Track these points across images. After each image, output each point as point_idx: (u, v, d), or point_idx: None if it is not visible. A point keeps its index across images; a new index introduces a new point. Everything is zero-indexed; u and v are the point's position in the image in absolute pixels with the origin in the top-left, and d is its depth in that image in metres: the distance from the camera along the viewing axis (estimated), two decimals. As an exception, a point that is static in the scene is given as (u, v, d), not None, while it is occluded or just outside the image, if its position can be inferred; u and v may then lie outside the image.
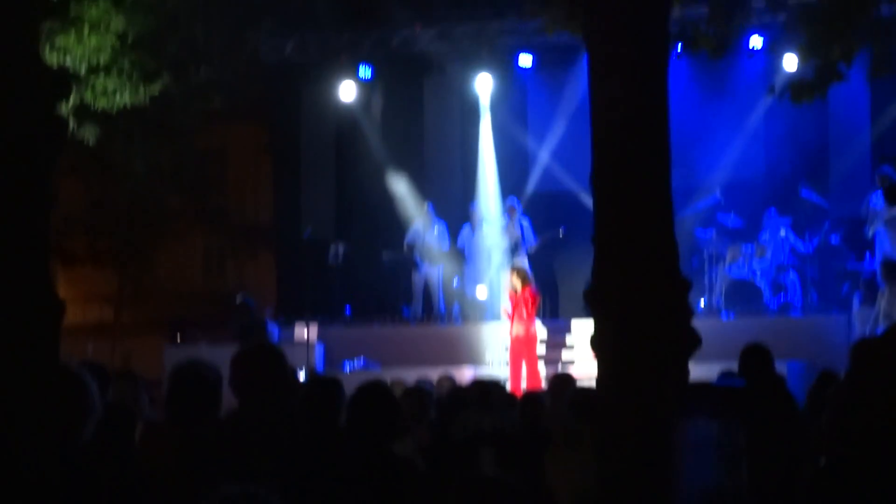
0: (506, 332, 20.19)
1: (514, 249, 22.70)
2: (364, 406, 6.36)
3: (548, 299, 22.87)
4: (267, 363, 5.74)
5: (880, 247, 19.82)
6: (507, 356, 20.32)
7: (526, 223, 23.04)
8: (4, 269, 3.74)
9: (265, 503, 3.93)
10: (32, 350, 3.80)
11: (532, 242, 22.93)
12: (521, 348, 19.38)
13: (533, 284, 20.00)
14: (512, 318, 19.50)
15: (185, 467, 5.52)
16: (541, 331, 20.74)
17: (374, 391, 6.49)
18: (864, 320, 18.38)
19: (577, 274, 22.23)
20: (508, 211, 23.14)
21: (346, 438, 6.04)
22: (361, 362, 21.69)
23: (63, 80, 4.13)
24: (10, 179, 3.77)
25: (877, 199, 20.35)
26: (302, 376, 17.26)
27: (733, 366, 10.19)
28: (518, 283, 19.52)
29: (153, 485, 5.41)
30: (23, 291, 3.76)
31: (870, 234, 20.41)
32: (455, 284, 24.06)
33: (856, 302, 19.05)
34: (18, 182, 3.78)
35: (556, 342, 21.59)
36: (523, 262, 22.45)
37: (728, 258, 21.47)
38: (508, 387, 17.20)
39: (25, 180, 3.81)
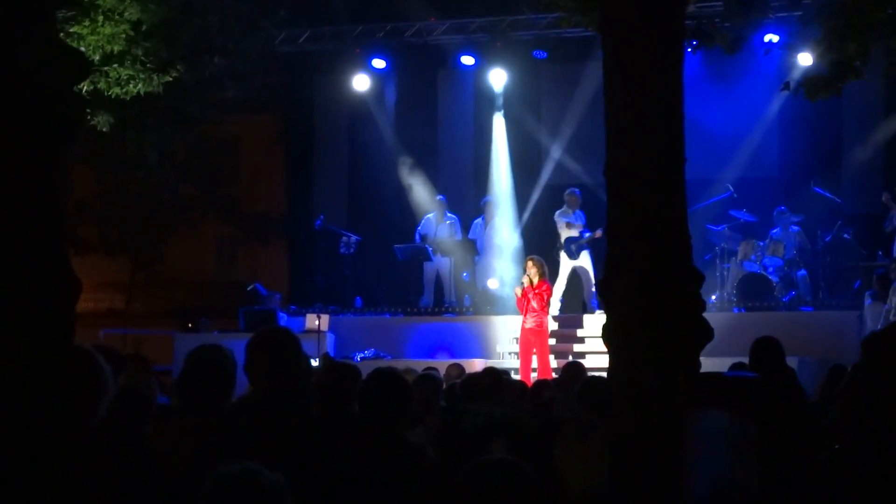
0: (517, 325, 20.20)
1: (578, 239, 22.47)
2: (377, 392, 6.38)
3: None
4: (281, 347, 5.75)
5: (896, 242, 19.91)
6: (517, 348, 20.34)
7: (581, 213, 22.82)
8: (22, 246, 3.77)
9: (265, 481, 3.96)
10: (49, 326, 3.83)
11: (587, 235, 22.53)
12: (533, 340, 19.37)
13: (548, 278, 19.95)
14: (525, 309, 19.45)
15: (197, 452, 5.55)
16: (552, 324, 20.74)
17: (387, 377, 6.51)
18: (875, 316, 18.37)
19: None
20: (569, 200, 22.86)
21: (360, 424, 6.06)
22: (372, 353, 21.72)
23: (81, 61, 4.15)
24: (30, 156, 3.80)
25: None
26: (315, 364, 17.34)
27: (744, 361, 10.21)
28: (535, 274, 19.46)
29: (164, 468, 5.44)
30: (40, 268, 3.80)
31: (888, 228, 20.44)
32: (464, 276, 24.04)
33: (868, 298, 19.03)
34: (38, 159, 3.82)
35: (567, 335, 21.60)
36: (586, 251, 22.42)
37: (740, 253, 21.47)
38: (518, 378, 17.22)
39: (45, 157, 3.85)
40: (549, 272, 20.58)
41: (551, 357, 19.76)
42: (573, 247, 22.41)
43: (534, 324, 19.33)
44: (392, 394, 6.36)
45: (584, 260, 22.52)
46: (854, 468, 3.94)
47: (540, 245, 23.81)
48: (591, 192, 22.66)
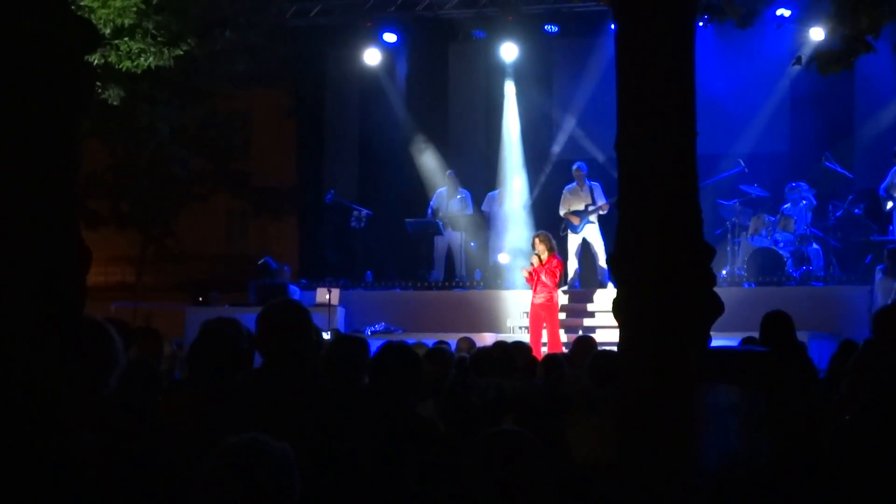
0: (527, 299, 20.21)
1: (584, 213, 22.38)
2: (388, 366, 6.39)
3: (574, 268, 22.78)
4: (291, 321, 5.76)
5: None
6: (527, 322, 20.36)
7: (596, 186, 22.64)
8: (32, 215, 3.78)
9: (271, 451, 3.97)
10: (59, 296, 3.84)
11: (603, 202, 22.36)
12: (543, 315, 19.36)
13: (557, 253, 19.88)
14: (535, 285, 19.43)
15: (207, 424, 5.56)
16: (562, 298, 20.74)
17: (398, 352, 6.52)
18: (886, 291, 18.34)
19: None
20: (575, 175, 22.74)
21: (370, 397, 6.06)
22: (382, 327, 21.75)
23: (92, 32, 4.14)
24: (41, 125, 3.80)
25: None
26: (327, 337, 17.39)
27: (755, 335, 10.21)
28: (544, 251, 19.44)
29: (174, 440, 5.45)
30: (50, 238, 3.80)
31: (886, 207, 20.41)
32: (472, 246, 24.03)
33: (878, 273, 18.99)
34: (49, 128, 3.82)
35: (579, 310, 21.61)
36: (594, 225, 22.35)
37: (751, 228, 21.44)
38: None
39: (56, 127, 3.85)
40: (560, 248, 20.58)
41: (562, 331, 19.77)
42: (574, 221, 22.36)
43: (544, 299, 19.31)
44: (403, 368, 6.37)
45: (593, 234, 22.44)
46: (864, 441, 3.94)
47: (551, 219, 23.80)
48: (602, 167, 22.64)
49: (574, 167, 22.72)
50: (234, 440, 3.96)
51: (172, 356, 12.67)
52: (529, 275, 19.53)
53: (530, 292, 19.71)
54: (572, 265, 22.38)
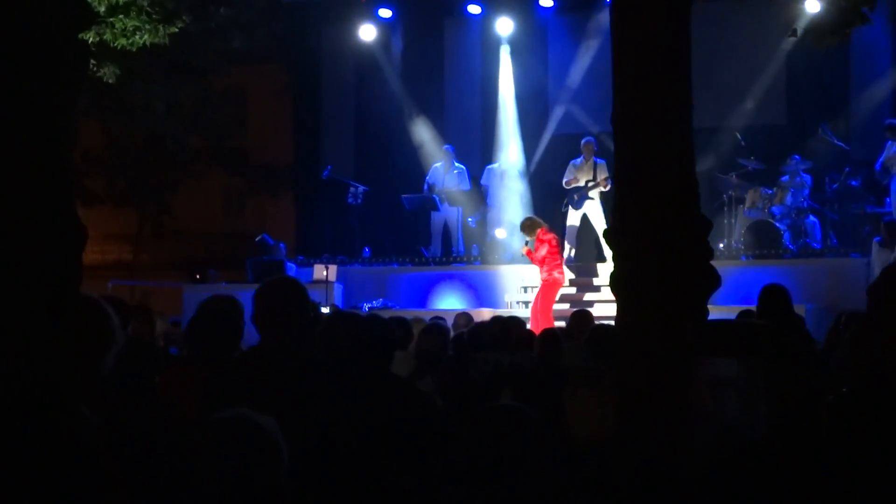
0: (524, 273, 20.20)
1: (583, 188, 22.28)
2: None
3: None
4: (287, 297, 5.76)
5: (895, 191, 19.84)
6: (524, 296, 20.40)
7: (601, 163, 22.47)
8: (28, 193, 3.78)
9: (258, 426, 3.98)
10: (55, 274, 3.84)
11: (603, 177, 22.24)
12: (540, 290, 19.34)
13: (546, 228, 19.67)
14: (541, 263, 19.31)
15: (204, 401, 5.57)
16: (568, 274, 20.67)
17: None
18: (883, 263, 18.33)
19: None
20: (584, 149, 22.57)
21: (365, 371, 6.04)
22: (380, 303, 21.76)
23: (85, 8, 4.15)
24: (34, 103, 3.80)
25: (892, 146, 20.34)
26: (326, 311, 17.45)
27: (752, 308, 10.23)
28: (529, 235, 19.38)
29: (173, 417, 5.46)
30: (45, 216, 3.80)
31: (884, 181, 20.41)
32: (470, 222, 24.01)
33: (875, 244, 18.98)
34: (43, 106, 3.82)
35: (580, 284, 21.58)
36: (595, 201, 22.28)
37: (748, 201, 21.43)
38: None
39: (50, 104, 3.85)
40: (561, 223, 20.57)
41: (567, 305, 19.67)
42: (575, 196, 22.30)
43: (543, 276, 19.24)
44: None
45: (594, 210, 22.36)
46: (860, 413, 3.95)
47: (547, 194, 23.80)
48: (599, 141, 22.59)
49: (584, 141, 22.57)
50: (219, 415, 3.99)
51: (166, 333, 12.69)
52: (538, 254, 19.49)
53: (527, 267, 19.70)
54: (569, 239, 22.34)
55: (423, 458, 5.48)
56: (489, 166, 24.46)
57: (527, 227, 19.50)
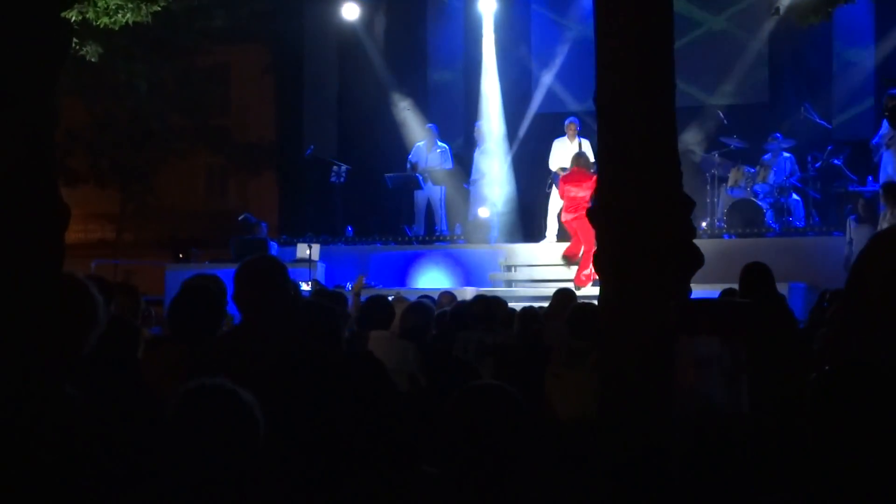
0: (507, 252, 20.22)
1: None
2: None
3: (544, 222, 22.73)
4: (267, 276, 5.76)
5: (884, 169, 19.81)
6: (508, 275, 20.49)
7: (586, 142, 22.38)
8: (10, 172, 3.77)
9: (231, 395, 4.01)
10: (38, 254, 3.84)
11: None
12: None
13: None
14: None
15: (187, 380, 5.57)
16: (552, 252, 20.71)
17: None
18: (862, 240, 18.34)
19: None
20: (567, 129, 22.54)
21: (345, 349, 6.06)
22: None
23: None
24: (16, 82, 3.79)
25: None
26: (307, 287, 17.48)
27: (735, 287, 10.24)
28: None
29: (155, 397, 5.47)
30: (28, 195, 3.80)
31: (875, 158, 20.41)
32: (466, 186, 24.00)
33: (851, 223, 18.99)
34: (24, 85, 3.81)
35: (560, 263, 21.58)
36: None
37: (730, 180, 21.45)
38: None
39: (31, 83, 3.84)
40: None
41: (549, 286, 19.67)
42: (560, 175, 22.29)
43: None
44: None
45: None
46: (842, 390, 3.96)
47: (530, 173, 23.81)
48: (582, 121, 22.56)
49: (567, 121, 22.57)
50: (191, 384, 4.03)
51: (144, 312, 12.65)
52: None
53: (510, 246, 19.75)
54: (552, 219, 22.33)
55: (398, 434, 5.49)
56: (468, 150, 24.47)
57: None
